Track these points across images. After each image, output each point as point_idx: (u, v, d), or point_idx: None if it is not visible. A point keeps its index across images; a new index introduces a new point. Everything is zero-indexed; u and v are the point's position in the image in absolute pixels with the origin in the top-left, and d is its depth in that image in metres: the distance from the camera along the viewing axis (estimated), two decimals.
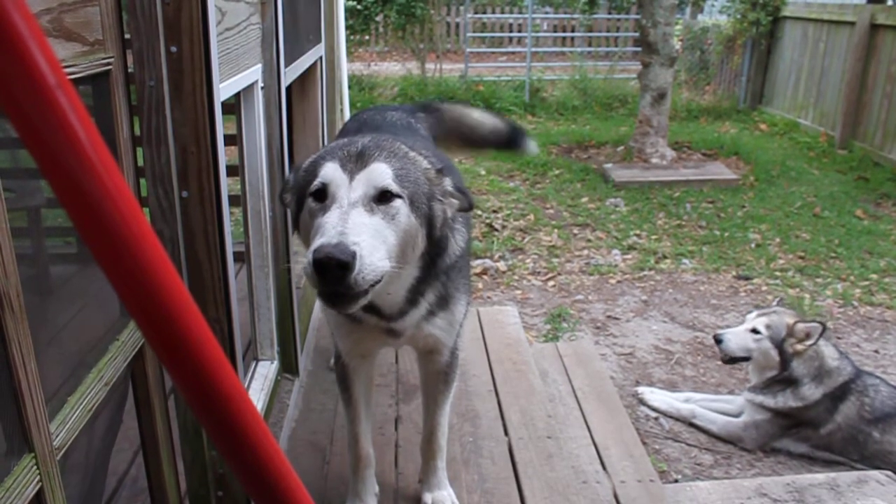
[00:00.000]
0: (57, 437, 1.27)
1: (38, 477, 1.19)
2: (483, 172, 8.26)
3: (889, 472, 3.33)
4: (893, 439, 3.60)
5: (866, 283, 5.73)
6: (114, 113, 1.54)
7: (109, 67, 1.50)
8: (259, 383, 2.74)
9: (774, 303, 4.12)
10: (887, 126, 8.60)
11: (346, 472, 2.64)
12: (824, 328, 3.67)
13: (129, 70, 1.64)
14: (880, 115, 8.74)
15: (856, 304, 5.40)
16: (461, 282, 2.18)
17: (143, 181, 1.84)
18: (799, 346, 3.68)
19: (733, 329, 3.91)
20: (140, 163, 1.74)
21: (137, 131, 1.71)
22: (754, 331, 3.76)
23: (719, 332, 3.94)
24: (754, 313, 3.90)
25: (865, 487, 3.19)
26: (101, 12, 1.46)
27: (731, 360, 3.90)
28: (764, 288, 5.61)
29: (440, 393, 2.45)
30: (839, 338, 4.89)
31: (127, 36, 1.61)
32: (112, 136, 1.54)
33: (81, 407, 1.38)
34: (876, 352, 4.76)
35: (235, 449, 0.62)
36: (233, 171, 2.48)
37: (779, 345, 3.70)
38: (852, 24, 9.23)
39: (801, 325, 3.69)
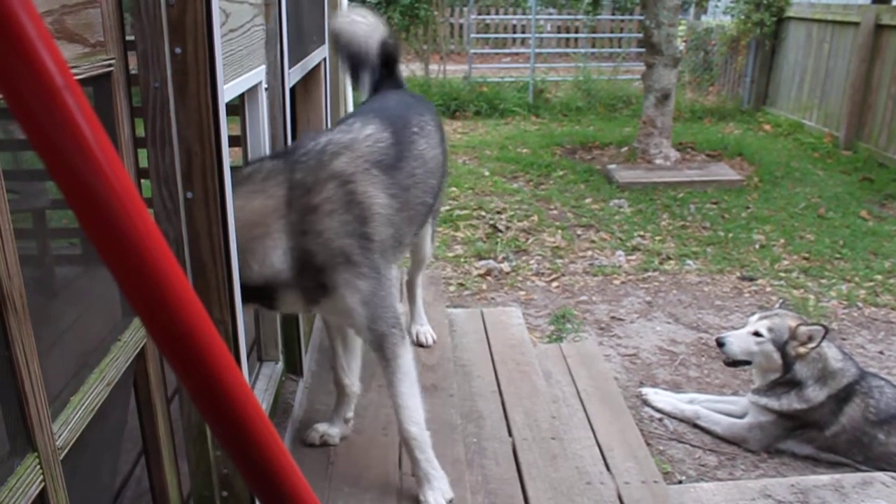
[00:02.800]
0: (60, 436, 1.27)
1: (41, 476, 1.20)
2: (487, 173, 8.26)
3: (894, 474, 3.33)
4: None
5: (871, 284, 5.72)
6: (115, 114, 1.54)
7: (111, 69, 1.51)
8: (263, 384, 2.74)
9: (777, 305, 4.11)
10: (892, 127, 8.58)
11: (350, 473, 2.64)
12: (826, 331, 3.66)
13: (131, 72, 1.64)
14: (885, 116, 8.72)
15: (860, 305, 5.39)
16: (347, 267, 2.28)
17: (144, 182, 1.85)
18: (801, 349, 3.66)
19: (735, 332, 3.90)
20: (142, 164, 1.74)
21: (138, 133, 1.71)
22: (756, 334, 3.75)
23: (721, 335, 3.93)
24: (756, 316, 3.89)
25: (870, 489, 3.19)
26: (102, 14, 1.46)
27: (733, 363, 3.89)
28: (768, 289, 5.61)
29: (384, 370, 2.45)
30: (843, 339, 4.88)
31: (129, 38, 1.61)
32: (114, 137, 1.55)
33: (84, 407, 1.38)
34: (881, 353, 4.75)
35: (240, 446, 0.62)
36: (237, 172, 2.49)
37: (781, 347, 3.69)
38: (857, 24, 9.21)
39: (803, 328, 3.68)
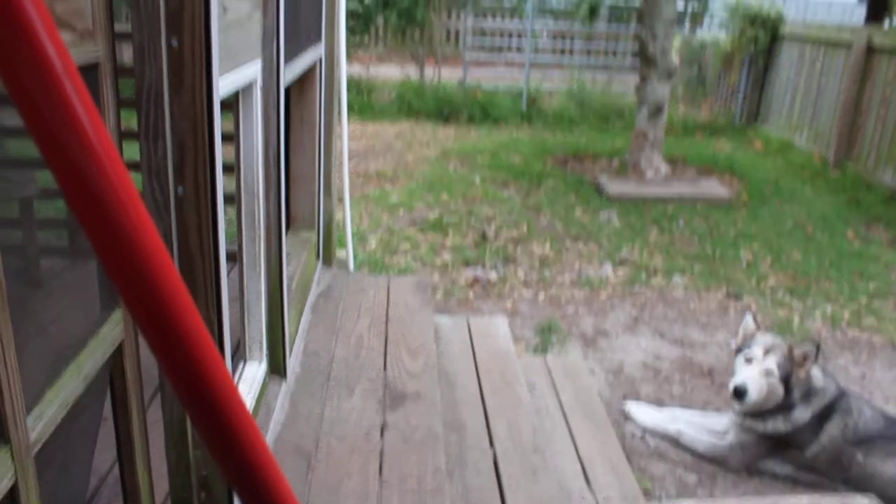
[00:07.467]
0: (34, 430, 1.24)
1: (13, 471, 1.17)
2: (478, 181, 8.25)
3: (872, 496, 3.33)
4: (876, 462, 3.59)
5: (855, 305, 5.74)
6: (102, 105, 1.51)
7: (98, 59, 1.48)
8: (246, 385, 2.71)
9: (749, 322, 3.93)
10: (880, 148, 8.65)
11: (331, 479, 2.61)
12: (818, 348, 3.64)
13: (121, 64, 1.61)
14: (874, 138, 8.79)
15: (844, 326, 5.41)
16: None
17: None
18: (801, 372, 3.63)
19: (748, 375, 3.66)
20: (126, 157, 1.71)
21: (125, 126, 1.68)
22: (768, 372, 3.65)
23: (739, 381, 3.66)
24: (757, 348, 3.72)
25: None
26: (91, 2, 1.43)
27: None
28: (754, 307, 5.61)
29: None
30: (826, 361, 4.89)
31: (118, 29, 1.58)
32: None
33: (59, 401, 1.35)
34: (863, 376, 4.77)
35: (222, 441, 0.62)
36: (228, 169, 2.46)
37: (786, 379, 3.65)
38: (849, 46, 9.29)
39: (797, 351, 3.65)
